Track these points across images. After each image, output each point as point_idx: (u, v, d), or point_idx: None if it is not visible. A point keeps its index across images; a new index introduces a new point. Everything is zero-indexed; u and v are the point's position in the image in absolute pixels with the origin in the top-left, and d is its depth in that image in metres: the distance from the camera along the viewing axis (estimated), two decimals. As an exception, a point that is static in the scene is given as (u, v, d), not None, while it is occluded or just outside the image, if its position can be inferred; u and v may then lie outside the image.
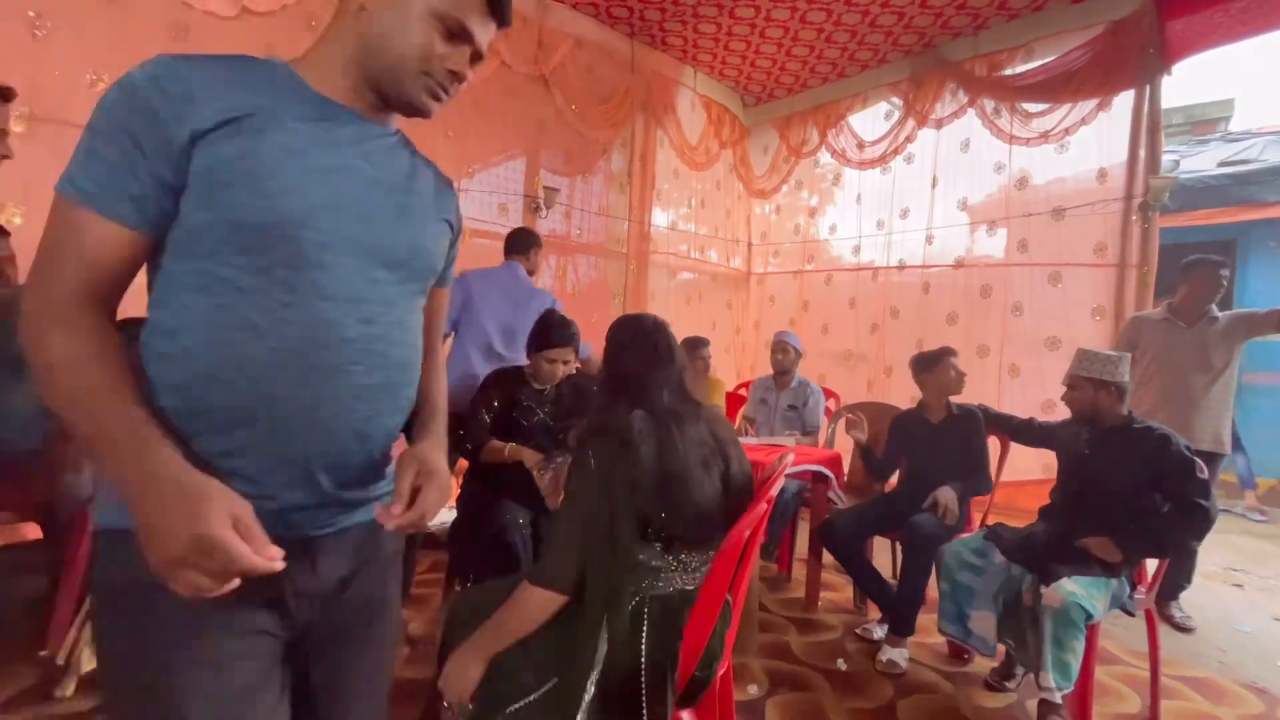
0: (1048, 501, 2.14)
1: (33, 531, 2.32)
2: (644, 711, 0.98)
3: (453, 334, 2.65)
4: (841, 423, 3.17)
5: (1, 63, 2.29)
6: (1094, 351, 2.00)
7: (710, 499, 1.15)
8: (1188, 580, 2.69)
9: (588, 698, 1.00)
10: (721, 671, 1.18)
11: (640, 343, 1.31)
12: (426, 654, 2.00)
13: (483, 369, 2.36)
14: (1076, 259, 3.59)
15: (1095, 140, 3.55)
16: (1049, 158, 3.73)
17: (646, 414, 1.17)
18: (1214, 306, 2.65)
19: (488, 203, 3.83)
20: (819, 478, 2.58)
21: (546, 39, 3.82)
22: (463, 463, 2.23)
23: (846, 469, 3.02)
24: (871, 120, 4.71)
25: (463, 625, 1.16)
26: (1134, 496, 1.86)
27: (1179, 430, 1.94)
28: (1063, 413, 2.27)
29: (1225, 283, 2.64)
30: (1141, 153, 3.40)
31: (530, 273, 2.83)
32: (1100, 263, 3.50)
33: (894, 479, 2.75)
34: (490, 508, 1.88)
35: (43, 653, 1.87)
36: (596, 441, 1.14)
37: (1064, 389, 2.08)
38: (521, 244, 2.84)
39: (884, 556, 2.73)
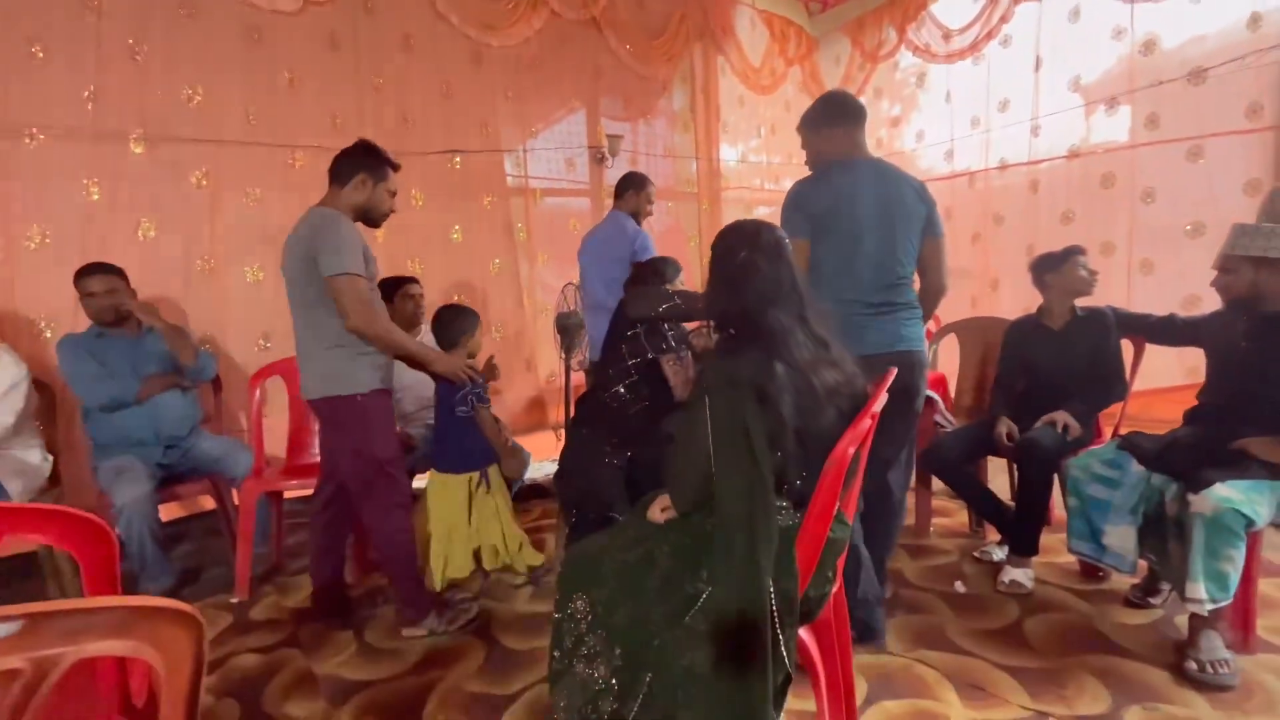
0: (1188, 408, 1.92)
1: (208, 503, 2.69)
2: (776, 633, 0.99)
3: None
4: (945, 341, 2.99)
5: (114, 91, 2.54)
6: (1254, 226, 1.72)
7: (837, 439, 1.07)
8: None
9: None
10: (835, 589, 1.18)
11: (760, 264, 1.17)
12: (549, 588, 2.15)
13: (601, 330, 2.36)
14: (1223, 128, 3.07)
15: (1245, -22, 2.97)
16: (1183, 10, 3.17)
17: (787, 368, 1.07)
18: None
19: (554, 160, 3.84)
20: (925, 400, 2.45)
21: (592, -22, 3.69)
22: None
23: (954, 390, 2.85)
24: (958, 4, 4.18)
25: (577, 571, 1.23)
26: (1306, 388, 1.62)
27: None
28: (1211, 308, 2.00)
29: None
30: (1308, -16, 2.81)
31: (634, 213, 2.93)
32: (1255, 127, 2.98)
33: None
34: (586, 454, 1.96)
35: (233, 599, 2.21)
36: (729, 392, 1.04)
37: (1215, 276, 1.82)
38: (618, 190, 2.97)
39: (1001, 480, 2.58)
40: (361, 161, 1.84)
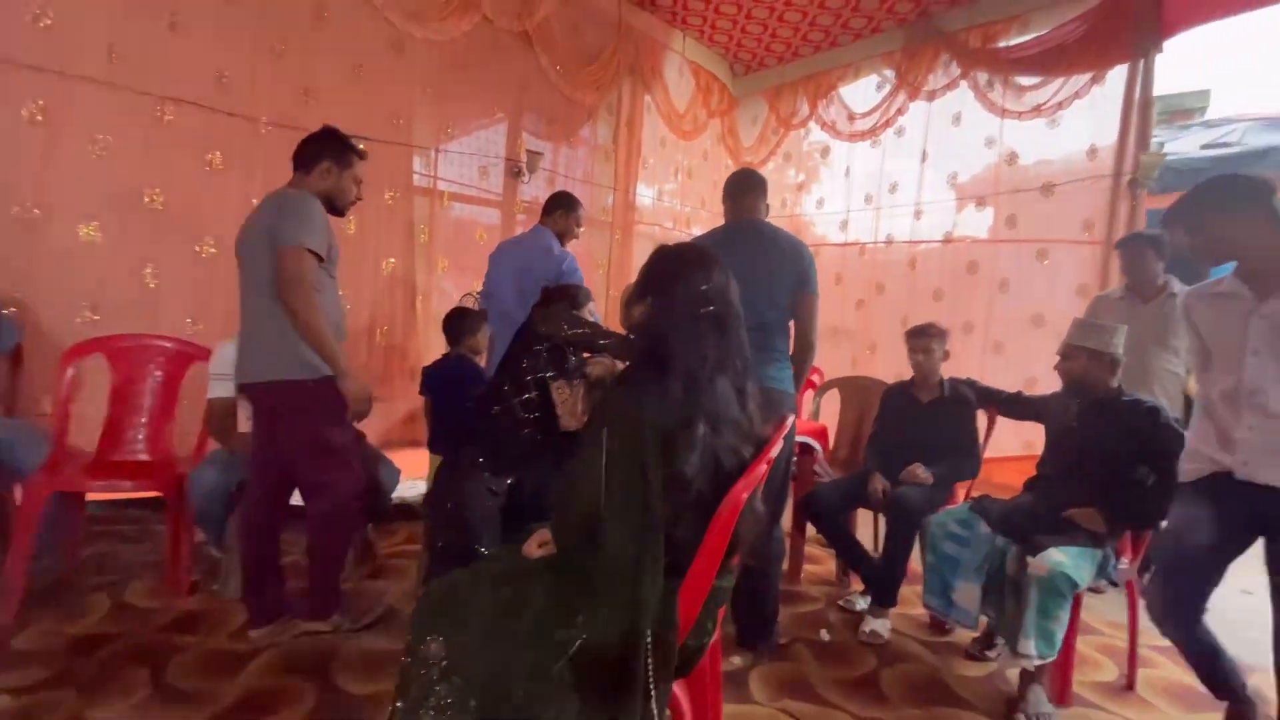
0: (1029, 477, 2.13)
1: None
2: (649, 685, 0.92)
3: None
4: (827, 395, 3.15)
5: (-69, -9, 2.10)
6: (1091, 321, 1.97)
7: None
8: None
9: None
10: (712, 641, 1.13)
11: (712, 297, 1.09)
12: (403, 626, 1.94)
13: (505, 340, 2.21)
14: (1064, 236, 3.57)
15: (1086, 117, 3.51)
16: (1040, 135, 3.68)
17: (709, 429, 1.02)
18: (1175, 282, 2.60)
19: (467, 166, 3.68)
20: (804, 450, 2.55)
21: (530, -7, 3.65)
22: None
23: (832, 442, 3.00)
24: (863, 92, 4.61)
25: (435, 609, 1.09)
26: (1121, 468, 1.85)
27: None
28: (1046, 389, 2.26)
29: (1158, 255, 2.58)
30: (1132, 130, 3.38)
31: (561, 233, 2.79)
32: (1087, 240, 3.49)
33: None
34: (464, 475, 1.81)
35: (-10, 623, 1.78)
36: (632, 423, 0.99)
37: (1053, 363, 2.06)
38: (549, 206, 2.84)
39: (867, 530, 2.72)
40: (326, 148, 1.84)
